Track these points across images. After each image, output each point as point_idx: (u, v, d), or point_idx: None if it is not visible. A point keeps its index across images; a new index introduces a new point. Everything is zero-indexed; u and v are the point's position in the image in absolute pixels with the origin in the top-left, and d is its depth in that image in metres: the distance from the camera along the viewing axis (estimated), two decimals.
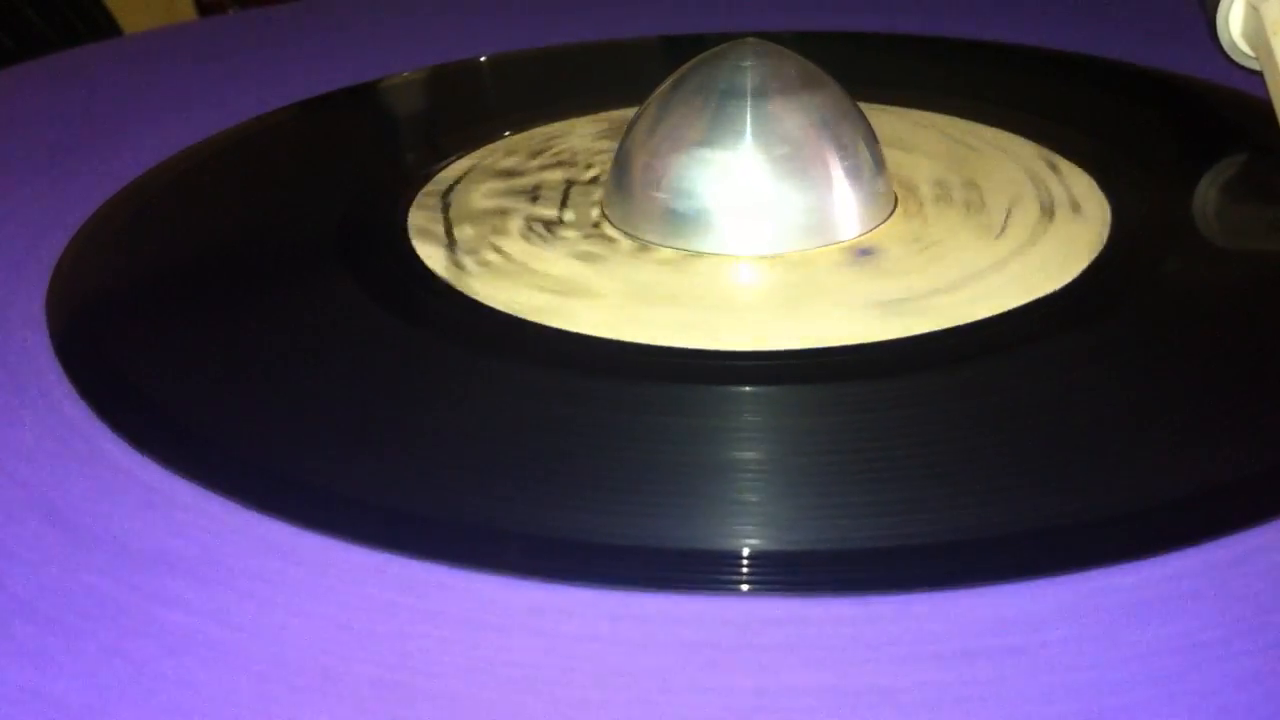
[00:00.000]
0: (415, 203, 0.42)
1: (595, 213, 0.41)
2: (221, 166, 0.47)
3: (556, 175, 0.43)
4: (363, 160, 0.48)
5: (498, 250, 0.39)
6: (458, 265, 0.38)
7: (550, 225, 0.40)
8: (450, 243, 0.39)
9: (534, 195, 0.42)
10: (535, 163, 0.45)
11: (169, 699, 0.24)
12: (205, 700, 0.24)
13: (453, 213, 0.41)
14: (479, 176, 0.44)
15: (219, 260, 0.40)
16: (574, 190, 0.42)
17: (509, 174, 0.44)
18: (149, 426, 0.32)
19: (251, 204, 0.44)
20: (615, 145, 0.41)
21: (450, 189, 0.43)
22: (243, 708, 0.24)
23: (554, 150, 0.46)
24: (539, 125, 0.48)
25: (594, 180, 0.43)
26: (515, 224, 0.40)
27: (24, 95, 0.56)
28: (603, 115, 0.48)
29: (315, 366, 0.34)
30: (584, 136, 0.47)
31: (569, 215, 0.41)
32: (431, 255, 0.39)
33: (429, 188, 0.43)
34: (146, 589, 0.27)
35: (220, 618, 0.26)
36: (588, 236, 0.39)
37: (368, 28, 0.64)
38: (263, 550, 0.27)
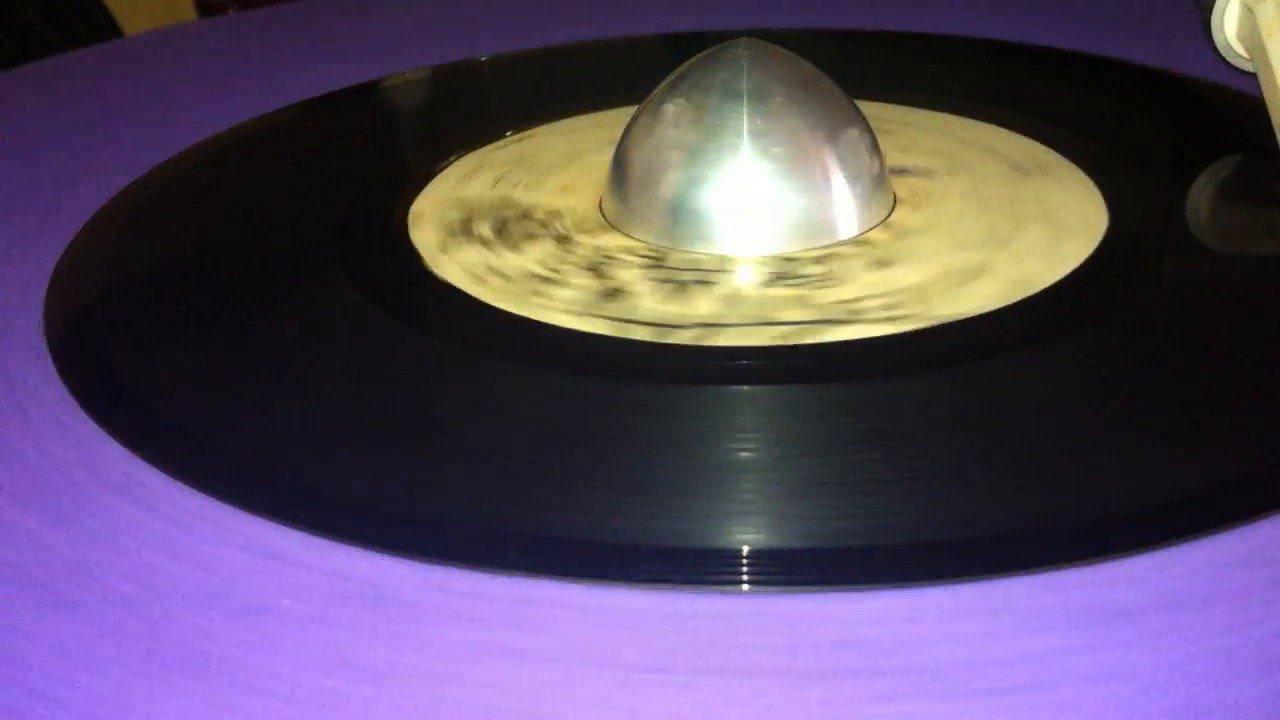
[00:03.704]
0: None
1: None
2: (221, 166, 0.47)
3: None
4: (363, 160, 0.48)
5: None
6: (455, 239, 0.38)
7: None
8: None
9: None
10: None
11: (166, 699, 0.24)
12: (204, 701, 0.24)
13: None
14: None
15: (219, 261, 0.40)
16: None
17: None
18: (146, 429, 0.32)
19: (251, 204, 0.44)
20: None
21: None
22: (240, 708, 0.24)
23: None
24: (539, 125, 0.48)
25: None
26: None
27: (24, 95, 0.56)
28: (602, 115, 0.48)
29: (315, 367, 0.34)
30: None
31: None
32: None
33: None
34: (145, 590, 0.27)
35: (219, 618, 0.26)
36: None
37: (368, 28, 0.64)
38: (261, 551, 0.28)
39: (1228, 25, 0.47)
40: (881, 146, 0.40)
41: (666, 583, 0.26)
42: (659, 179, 0.38)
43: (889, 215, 0.40)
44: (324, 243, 0.40)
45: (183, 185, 0.46)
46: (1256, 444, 0.30)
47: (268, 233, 0.42)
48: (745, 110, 0.38)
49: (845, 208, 0.38)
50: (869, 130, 0.40)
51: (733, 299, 0.36)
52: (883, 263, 0.37)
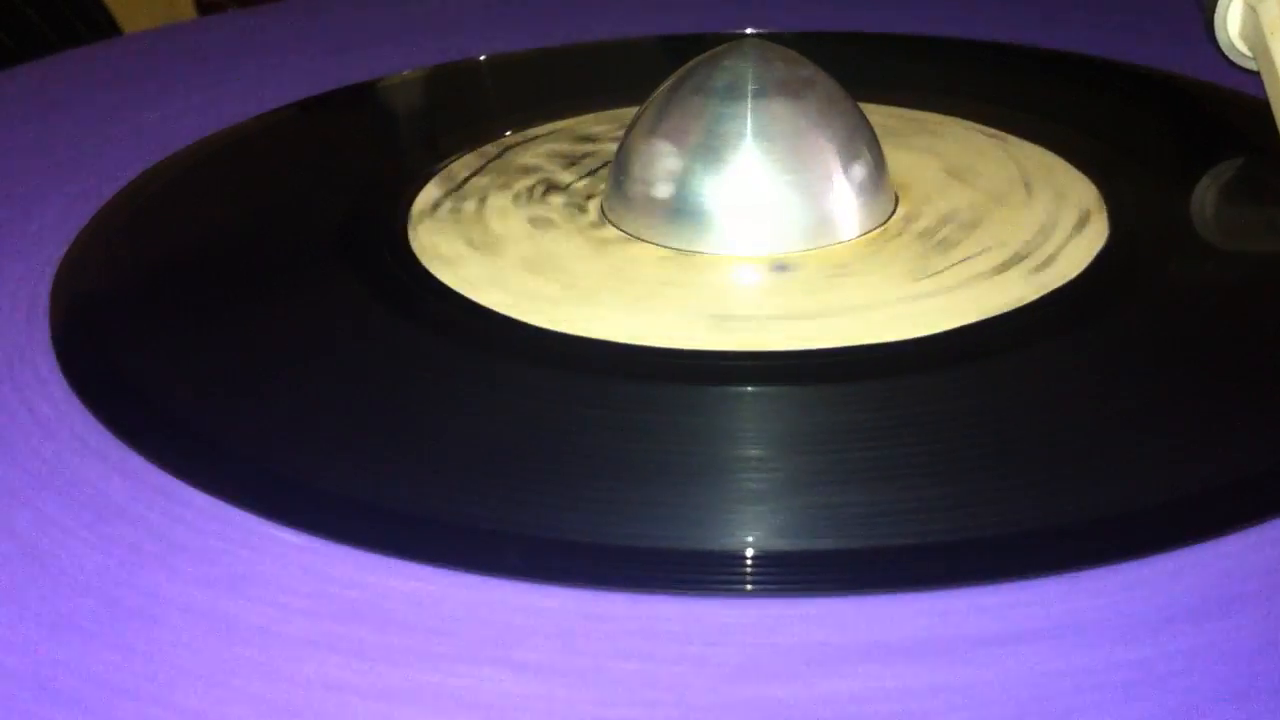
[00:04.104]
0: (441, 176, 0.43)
1: (602, 188, 0.41)
2: (221, 166, 0.47)
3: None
4: (363, 160, 0.48)
5: (480, 203, 0.39)
6: (434, 208, 0.39)
7: (554, 190, 0.41)
8: (457, 187, 0.40)
9: (574, 161, 0.43)
10: (618, 133, 0.44)
11: (165, 700, 0.24)
12: (202, 702, 0.24)
13: (495, 162, 0.43)
14: (558, 138, 0.45)
15: (219, 260, 0.40)
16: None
17: (584, 139, 0.45)
18: (148, 427, 0.32)
19: (251, 204, 0.44)
20: None
21: (518, 145, 0.45)
22: (240, 709, 0.24)
23: None
24: (539, 125, 0.48)
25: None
26: (524, 183, 0.41)
27: (24, 95, 0.56)
28: (603, 114, 0.48)
29: (315, 367, 0.34)
30: None
31: (581, 184, 0.41)
32: (428, 194, 0.40)
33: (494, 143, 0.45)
34: (144, 589, 0.27)
35: (219, 619, 0.26)
36: (571, 204, 0.40)
37: (368, 28, 0.64)
38: (261, 552, 0.27)
39: (1231, 25, 0.47)
40: (882, 148, 0.40)
41: (666, 585, 0.26)
42: (660, 179, 0.38)
43: (890, 216, 0.40)
44: (324, 242, 0.40)
45: (183, 185, 0.46)
46: (1259, 446, 0.30)
47: (268, 233, 0.42)
48: (748, 110, 0.38)
49: (846, 209, 0.38)
50: (870, 131, 0.40)
51: (758, 298, 0.36)
52: (880, 265, 0.37)
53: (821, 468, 0.30)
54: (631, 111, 0.41)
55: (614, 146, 0.41)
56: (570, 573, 0.26)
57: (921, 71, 0.54)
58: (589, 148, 0.44)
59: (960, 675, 0.24)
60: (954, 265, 0.37)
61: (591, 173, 0.42)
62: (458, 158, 0.45)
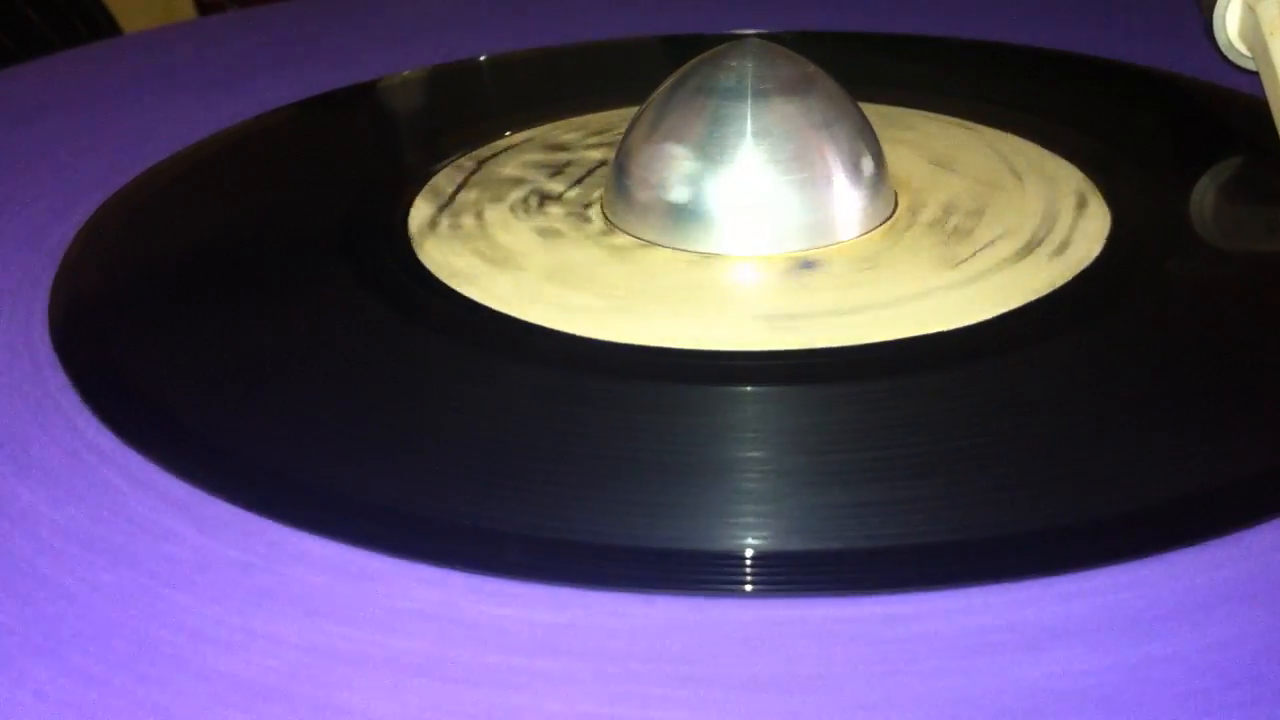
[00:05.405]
0: (430, 183, 0.44)
1: (597, 195, 0.41)
2: (221, 166, 0.47)
3: (595, 154, 0.44)
4: (363, 160, 0.48)
5: (478, 217, 0.40)
6: (432, 225, 0.40)
7: (546, 200, 0.42)
8: (448, 202, 0.40)
9: (558, 170, 0.43)
10: (589, 140, 0.46)
11: (164, 702, 0.24)
12: (202, 704, 0.24)
13: (476, 176, 0.43)
14: (530, 148, 0.45)
15: (219, 260, 0.40)
16: (599, 171, 0.43)
17: (556, 148, 0.45)
18: (149, 427, 0.32)
19: (251, 204, 0.44)
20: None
21: (491, 157, 0.45)
22: (239, 711, 0.24)
23: (615, 130, 0.46)
24: (539, 125, 0.48)
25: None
26: (517, 195, 0.42)
27: (24, 95, 0.56)
28: (604, 115, 0.48)
29: (315, 366, 0.34)
30: None
31: (573, 194, 0.42)
32: (421, 211, 0.41)
33: (467, 156, 0.45)
34: (144, 591, 0.27)
35: (219, 620, 0.26)
36: (572, 214, 0.40)
37: (368, 28, 0.64)
38: (261, 552, 0.27)
39: (1229, 24, 0.47)
40: (882, 148, 0.40)
41: (667, 585, 0.26)
42: (661, 179, 0.38)
43: (890, 215, 0.40)
44: (324, 243, 0.40)
45: (183, 185, 0.46)
46: (1258, 446, 0.30)
47: (268, 232, 0.42)
48: (747, 110, 0.38)
49: (846, 208, 0.38)
50: (870, 131, 0.40)
51: (758, 298, 0.36)
52: (879, 264, 0.37)
53: (820, 467, 0.30)
54: (630, 112, 0.41)
55: (591, 152, 0.41)
56: (570, 572, 0.26)
57: (922, 71, 0.54)
58: (563, 155, 0.44)
59: (962, 675, 0.24)
60: (949, 262, 0.37)
61: (579, 180, 0.42)
62: (456, 159, 0.45)
